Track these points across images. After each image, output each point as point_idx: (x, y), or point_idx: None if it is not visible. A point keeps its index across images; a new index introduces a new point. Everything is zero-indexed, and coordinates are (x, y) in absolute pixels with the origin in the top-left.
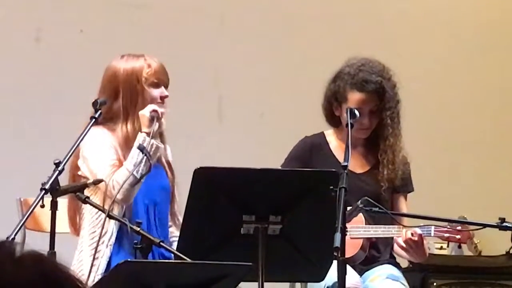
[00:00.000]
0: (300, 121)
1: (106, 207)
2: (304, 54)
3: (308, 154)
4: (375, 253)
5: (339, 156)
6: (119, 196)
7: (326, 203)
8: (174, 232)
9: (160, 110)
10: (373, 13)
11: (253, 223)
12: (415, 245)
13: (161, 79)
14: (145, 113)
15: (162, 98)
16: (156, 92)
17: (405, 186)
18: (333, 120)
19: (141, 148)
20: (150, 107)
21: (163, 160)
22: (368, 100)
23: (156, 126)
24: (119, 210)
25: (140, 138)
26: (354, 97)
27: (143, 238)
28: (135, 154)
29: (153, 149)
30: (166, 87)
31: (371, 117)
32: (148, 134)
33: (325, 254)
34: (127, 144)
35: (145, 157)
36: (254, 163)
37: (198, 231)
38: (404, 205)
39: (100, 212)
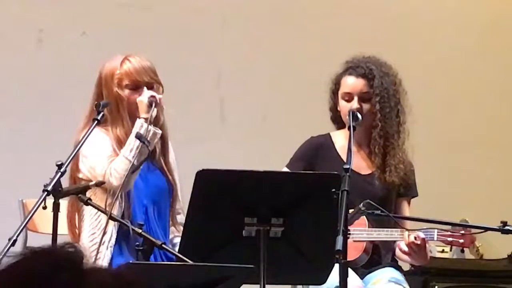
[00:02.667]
0: (302, 123)
1: (108, 208)
2: (307, 56)
3: (313, 154)
4: (376, 257)
5: (345, 157)
6: (116, 183)
7: (328, 206)
8: (175, 233)
9: (158, 96)
10: (376, 14)
11: (255, 225)
12: (417, 248)
13: (135, 80)
14: (143, 99)
15: None
16: (133, 94)
17: (408, 190)
18: (338, 119)
19: (139, 137)
20: (148, 93)
21: (163, 163)
22: (356, 84)
23: (154, 111)
24: (118, 210)
25: (138, 124)
26: (345, 81)
27: (145, 240)
28: (132, 141)
29: (150, 135)
30: (150, 87)
31: (360, 104)
32: (146, 119)
33: (327, 257)
34: (120, 145)
35: (142, 144)
36: (256, 166)
37: (200, 233)
38: (407, 210)
39: (99, 214)
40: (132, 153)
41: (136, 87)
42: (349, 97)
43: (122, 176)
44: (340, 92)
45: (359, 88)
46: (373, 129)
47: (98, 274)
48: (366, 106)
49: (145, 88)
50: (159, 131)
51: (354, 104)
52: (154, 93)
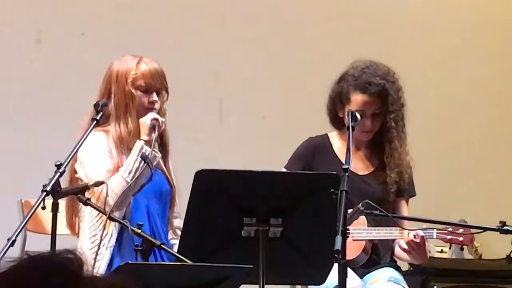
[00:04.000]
0: (301, 123)
1: (107, 209)
2: (306, 55)
3: (311, 154)
4: (375, 257)
5: (343, 157)
6: (112, 202)
7: (327, 206)
8: (172, 236)
9: (161, 119)
10: (374, 14)
11: (254, 225)
12: (417, 246)
13: (149, 84)
14: (146, 120)
15: (151, 103)
16: (144, 97)
17: (407, 190)
18: (337, 121)
19: (144, 158)
20: (151, 115)
21: (163, 167)
22: (370, 102)
23: (156, 135)
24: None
25: (138, 146)
26: (357, 99)
27: (144, 240)
28: (131, 162)
29: (150, 158)
30: (159, 92)
31: (373, 120)
32: (146, 142)
33: (326, 257)
34: (121, 144)
35: (145, 165)
36: (256, 166)
37: (199, 233)
38: (405, 209)
39: (100, 214)
40: (131, 175)
41: (147, 90)
42: (361, 114)
43: (119, 196)
44: (350, 108)
45: (373, 107)
46: (386, 143)
47: (96, 282)
48: (378, 123)
49: (154, 95)
50: (159, 154)
51: (367, 122)
52: (157, 116)
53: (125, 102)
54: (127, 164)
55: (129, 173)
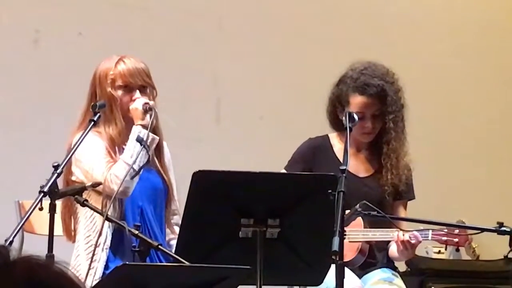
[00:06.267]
0: (299, 123)
1: (104, 210)
2: (303, 56)
3: (311, 155)
4: (371, 258)
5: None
6: (117, 189)
7: (325, 207)
8: (170, 235)
9: (151, 102)
10: (373, 15)
11: (251, 226)
12: (410, 247)
13: (128, 82)
14: (137, 106)
15: (134, 101)
16: (125, 96)
17: (406, 193)
18: (337, 124)
19: (140, 140)
20: (141, 100)
21: (158, 165)
22: (369, 103)
23: (150, 118)
24: (112, 212)
25: (136, 130)
26: (356, 101)
27: (141, 241)
28: (131, 147)
29: (149, 141)
30: (141, 89)
31: (374, 121)
32: (143, 126)
33: (323, 258)
34: (114, 146)
35: (143, 148)
36: (253, 166)
37: (196, 234)
38: (403, 212)
39: (94, 215)
40: (132, 159)
41: (128, 89)
42: (361, 116)
43: (124, 182)
44: (350, 110)
45: (372, 108)
46: (384, 145)
47: (27, 263)
48: (378, 124)
49: (137, 92)
50: (157, 137)
51: (367, 123)
52: (147, 100)
53: (109, 104)
54: (127, 149)
55: (131, 156)
